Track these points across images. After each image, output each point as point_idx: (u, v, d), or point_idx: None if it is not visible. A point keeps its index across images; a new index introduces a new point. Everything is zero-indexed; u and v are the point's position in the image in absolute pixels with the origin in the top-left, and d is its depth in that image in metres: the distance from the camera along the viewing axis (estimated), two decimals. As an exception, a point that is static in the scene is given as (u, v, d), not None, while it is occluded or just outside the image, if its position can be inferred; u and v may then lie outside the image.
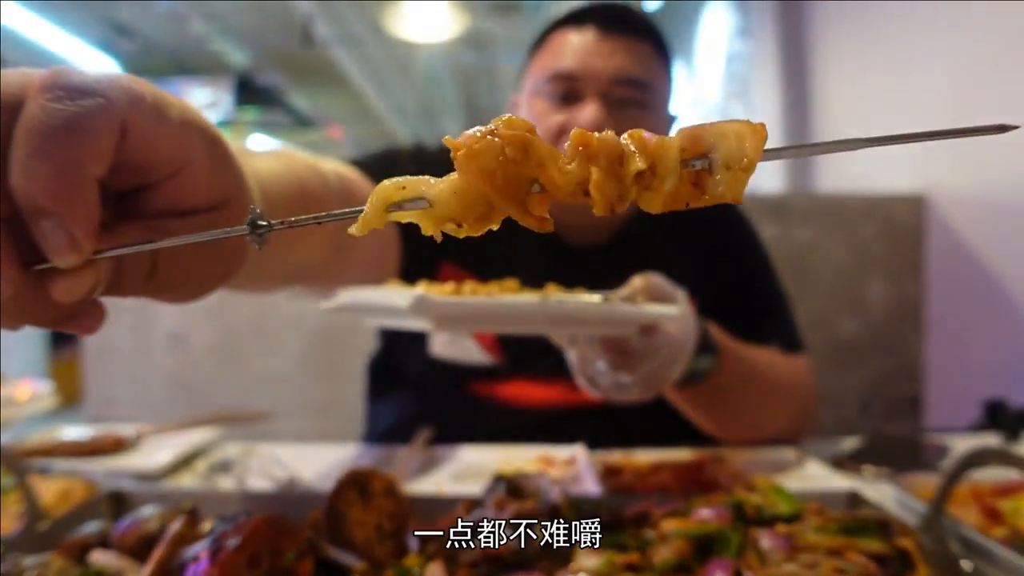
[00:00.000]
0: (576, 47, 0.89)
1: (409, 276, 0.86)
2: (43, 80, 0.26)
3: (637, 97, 0.88)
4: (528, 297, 0.53)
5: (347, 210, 0.28)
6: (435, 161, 0.98)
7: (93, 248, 0.26)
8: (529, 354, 0.90)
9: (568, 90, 0.88)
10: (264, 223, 0.27)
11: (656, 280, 0.68)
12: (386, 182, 0.27)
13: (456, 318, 0.50)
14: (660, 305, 0.64)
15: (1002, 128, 0.26)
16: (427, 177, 0.27)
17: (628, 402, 0.70)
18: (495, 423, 0.95)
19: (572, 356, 0.70)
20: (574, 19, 0.92)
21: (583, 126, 0.75)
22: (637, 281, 0.67)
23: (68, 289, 0.26)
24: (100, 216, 0.27)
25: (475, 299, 0.51)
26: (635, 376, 0.66)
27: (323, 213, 0.28)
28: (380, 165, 0.91)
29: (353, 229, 0.27)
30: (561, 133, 0.86)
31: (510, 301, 0.52)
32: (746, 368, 0.85)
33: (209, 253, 0.32)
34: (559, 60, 0.89)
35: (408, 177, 0.27)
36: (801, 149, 0.28)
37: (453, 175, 0.26)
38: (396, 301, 0.47)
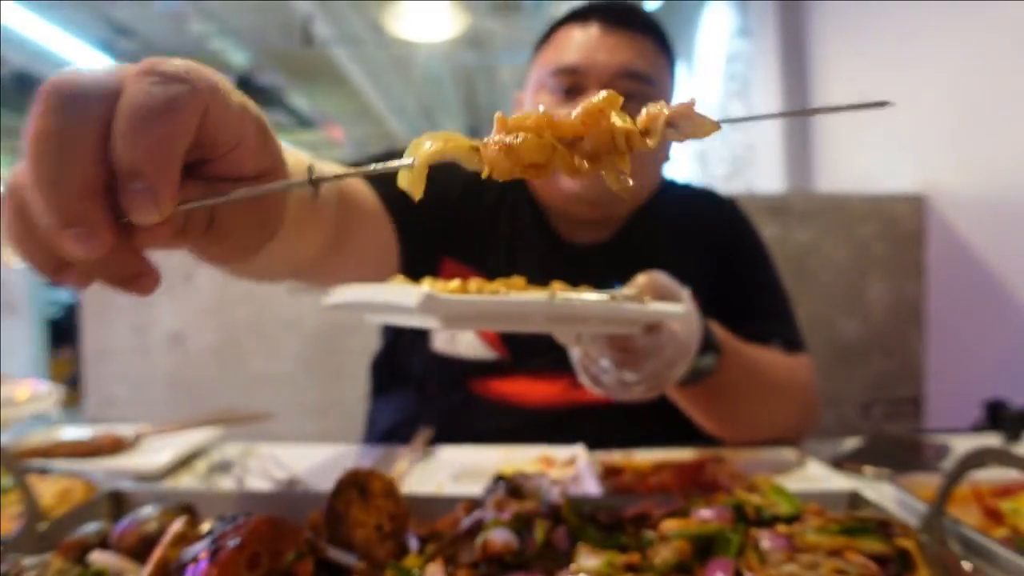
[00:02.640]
0: (580, 42, 0.90)
1: (410, 273, 0.87)
2: (143, 67, 0.30)
3: (640, 91, 0.89)
4: (536, 295, 0.52)
5: (395, 162, 0.33)
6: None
7: (173, 206, 0.31)
8: (532, 350, 0.90)
9: (572, 84, 0.89)
10: (317, 177, 0.34)
11: (660, 278, 0.68)
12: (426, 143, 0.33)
13: (464, 316, 0.49)
14: (666, 303, 0.64)
15: (881, 104, 0.29)
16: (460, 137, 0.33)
17: (631, 401, 0.70)
18: (496, 421, 0.95)
19: (575, 354, 0.69)
20: (578, 16, 0.94)
21: None
22: (641, 279, 0.67)
23: (152, 235, 0.31)
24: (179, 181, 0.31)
25: (483, 297, 0.50)
26: (639, 374, 0.65)
27: (370, 167, 0.32)
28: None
29: (403, 181, 0.33)
30: None
31: (518, 299, 0.51)
32: (748, 366, 0.85)
33: (254, 216, 0.37)
34: (563, 55, 0.90)
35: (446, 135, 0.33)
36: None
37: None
38: (402, 299, 0.46)
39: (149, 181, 0.29)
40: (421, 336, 0.99)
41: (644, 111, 0.33)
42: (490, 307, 0.49)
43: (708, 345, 0.75)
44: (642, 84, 0.89)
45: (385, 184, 0.87)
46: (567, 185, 0.91)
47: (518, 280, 0.55)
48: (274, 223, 0.39)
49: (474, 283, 0.52)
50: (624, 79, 0.88)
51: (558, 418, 0.95)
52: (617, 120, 0.32)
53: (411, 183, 0.32)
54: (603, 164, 0.32)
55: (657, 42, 0.94)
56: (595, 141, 0.32)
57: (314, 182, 0.34)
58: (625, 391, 0.68)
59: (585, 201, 0.92)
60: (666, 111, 0.32)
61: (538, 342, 0.73)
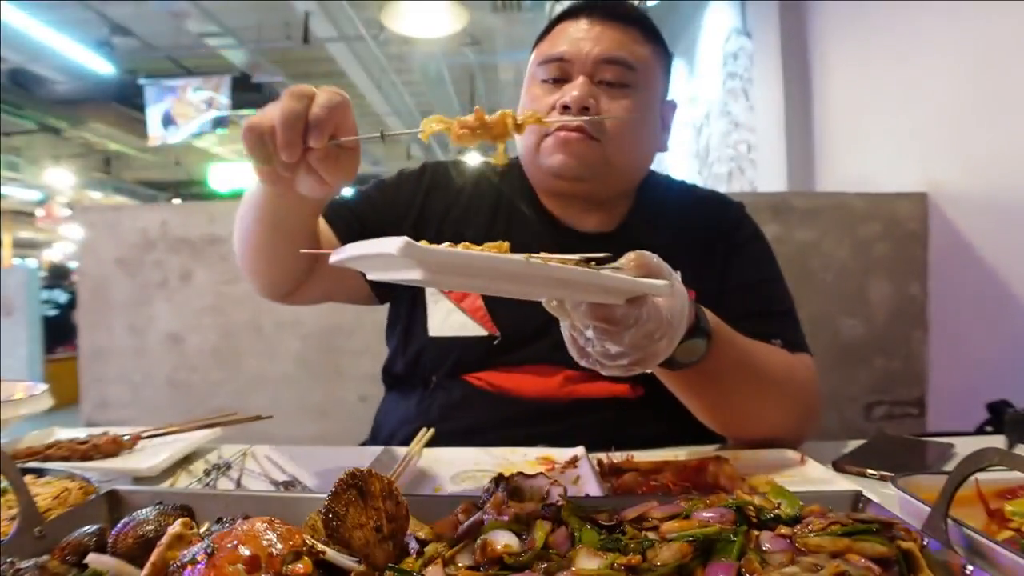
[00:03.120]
0: (567, 35, 0.97)
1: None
2: (324, 88, 0.65)
3: (623, 78, 0.95)
4: (513, 256, 0.54)
5: (408, 130, 0.69)
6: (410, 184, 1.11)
7: (327, 141, 0.65)
8: (520, 328, 0.92)
9: (560, 72, 0.96)
10: (386, 134, 0.71)
11: (649, 256, 0.68)
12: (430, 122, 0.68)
13: (443, 268, 0.51)
14: (648, 279, 0.64)
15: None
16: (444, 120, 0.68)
17: (619, 374, 0.70)
18: (495, 413, 0.98)
19: (565, 328, 0.70)
20: (569, 12, 1.00)
21: (571, 102, 0.93)
22: (630, 255, 0.68)
23: (316, 154, 0.65)
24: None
25: (460, 251, 0.52)
26: (619, 346, 0.65)
27: (413, 130, 0.68)
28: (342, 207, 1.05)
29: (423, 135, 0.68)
30: (552, 110, 0.95)
31: (495, 257, 0.53)
32: (742, 357, 0.85)
33: (347, 166, 0.69)
34: (552, 47, 0.97)
35: (442, 118, 0.67)
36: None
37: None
38: (387, 247, 0.49)
39: (320, 127, 0.63)
40: (420, 328, 1.03)
41: (519, 114, 0.69)
42: (466, 260, 0.51)
43: (699, 329, 0.76)
44: (623, 70, 0.95)
45: (340, 219, 1.02)
46: (549, 162, 0.97)
47: (503, 244, 0.58)
48: (352, 172, 0.70)
49: (462, 246, 0.54)
50: (605, 65, 0.94)
51: (556, 411, 0.97)
52: (509, 121, 0.68)
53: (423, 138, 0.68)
54: (503, 140, 0.69)
55: (644, 33, 0.99)
56: (498, 130, 0.68)
57: (383, 137, 0.70)
58: (611, 364, 0.68)
59: (566, 176, 0.96)
60: (519, 118, 0.69)
61: (527, 321, 0.75)
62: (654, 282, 0.64)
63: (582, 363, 0.69)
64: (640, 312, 0.63)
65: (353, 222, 1.02)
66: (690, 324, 0.73)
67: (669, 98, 1.06)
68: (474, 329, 0.99)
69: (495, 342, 0.98)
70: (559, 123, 0.94)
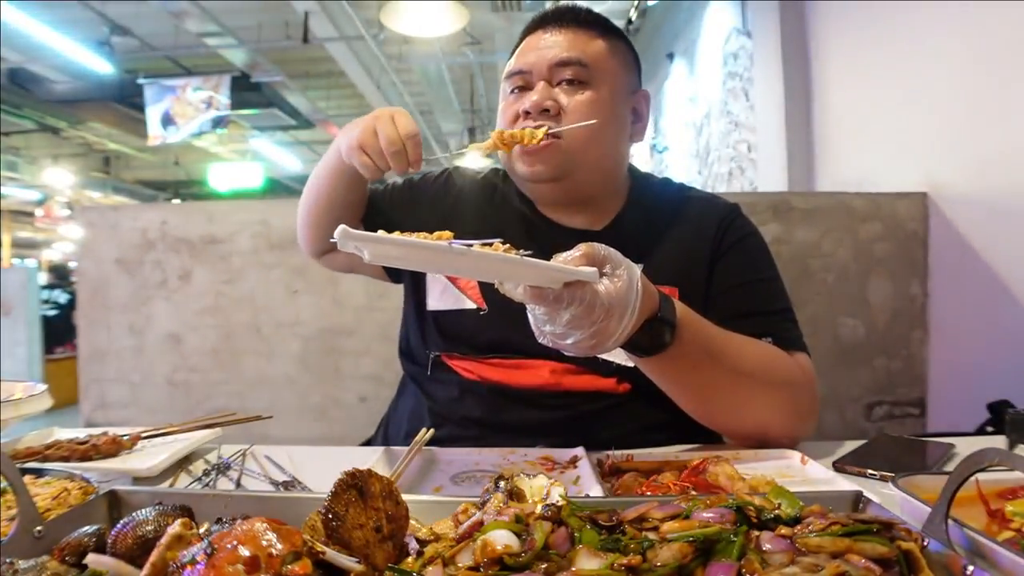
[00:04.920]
0: (526, 47, 1.06)
1: (414, 274, 1.18)
2: (406, 136, 0.91)
3: (579, 75, 1.01)
4: (440, 242, 0.62)
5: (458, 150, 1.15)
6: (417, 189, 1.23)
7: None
8: (504, 302, 0.96)
9: (523, 83, 1.03)
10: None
11: (597, 247, 0.73)
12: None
13: (375, 248, 0.59)
14: (582, 267, 0.69)
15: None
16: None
17: (576, 353, 0.75)
18: (489, 404, 1.03)
19: (529, 311, 0.75)
20: (529, 28, 1.08)
21: (530, 107, 1.03)
22: (581, 245, 0.73)
23: (411, 166, 0.92)
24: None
25: (390, 236, 0.60)
26: (560, 325, 0.71)
27: (448, 153, 1.11)
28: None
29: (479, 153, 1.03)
30: (516, 118, 1.02)
31: (422, 241, 0.61)
32: (716, 348, 0.87)
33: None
34: (515, 62, 1.06)
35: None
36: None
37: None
38: (336, 235, 0.57)
39: (416, 164, 0.92)
40: (422, 304, 1.11)
41: (528, 130, 0.98)
42: (398, 243, 0.59)
43: (661, 319, 0.79)
44: (577, 68, 1.00)
45: (368, 205, 1.16)
46: (520, 170, 1.03)
47: (446, 233, 0.66)
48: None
49: (417, 235, 0.64)
50: (559, 67, 1.01)
51: (549, 401, 1.01)
52: (524, 136, 0.97)
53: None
54: (511, 148, 0.99)
55: (597, 31, 1.04)
56: (516, 140, 0.97)
57: (451, 155, 1.13)
58: (562, 343, 0.73)
59: (535, 179, 1.03)
60: (539, 136, 0.97)
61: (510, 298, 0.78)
62: (579, 268, 0.69)
63: (541, 341, 0.75)
64: (574, 295, 0.69)
65: (371, 209, 1.17)
66: (651, 313, 0.78)
67: (643, 88, 1.11)
68: (466, 303, 1.07)
69: (481, 313, 1.05)
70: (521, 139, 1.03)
